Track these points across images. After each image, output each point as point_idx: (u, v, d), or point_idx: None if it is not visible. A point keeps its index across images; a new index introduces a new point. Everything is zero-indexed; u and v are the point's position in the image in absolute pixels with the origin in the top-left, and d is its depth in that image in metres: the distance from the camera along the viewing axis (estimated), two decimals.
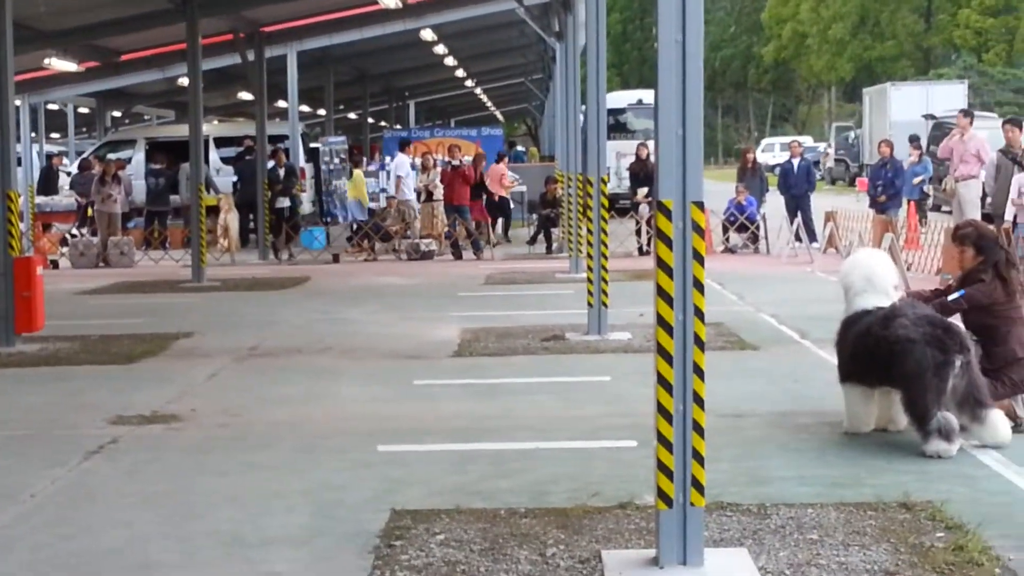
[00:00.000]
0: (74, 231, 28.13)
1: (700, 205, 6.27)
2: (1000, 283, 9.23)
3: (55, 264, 25.78)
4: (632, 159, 27.80)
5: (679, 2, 6.21)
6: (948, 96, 47.00)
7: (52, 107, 44.34)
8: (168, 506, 7.72)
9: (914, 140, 29.53)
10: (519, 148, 57.65)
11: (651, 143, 27.87)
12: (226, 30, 26.63)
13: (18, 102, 25.93)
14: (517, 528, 7.03)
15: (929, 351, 8.40)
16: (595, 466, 8.38)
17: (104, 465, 8.84)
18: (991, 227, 9.96)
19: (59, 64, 27.34)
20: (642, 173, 25.95)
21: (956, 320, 9.20)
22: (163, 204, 29.33)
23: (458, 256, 25.58)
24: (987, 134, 21.40)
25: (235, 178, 28.98)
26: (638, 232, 25.48)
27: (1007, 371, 9.12)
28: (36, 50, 25.46)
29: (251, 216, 28.35)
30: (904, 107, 45.60)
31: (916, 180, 26.41)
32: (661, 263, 6.25)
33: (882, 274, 9.20)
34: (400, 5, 26.27)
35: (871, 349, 8.76)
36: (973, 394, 8.50)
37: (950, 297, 9.27)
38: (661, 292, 6.25)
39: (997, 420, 8.57)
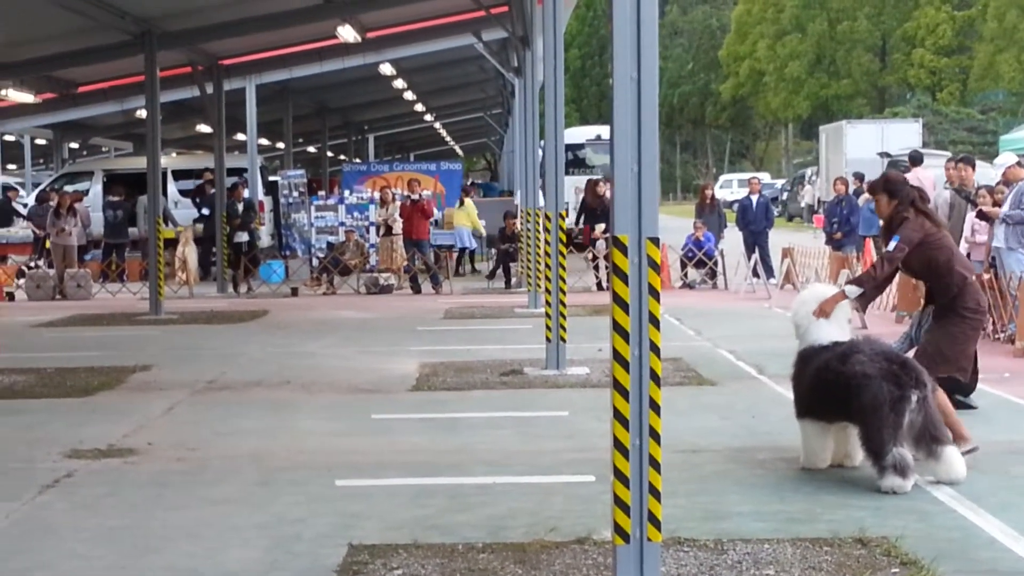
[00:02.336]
0: (31, 263, 27.95)
1: (655, 240, 6.31)
2: (923, 216, 9.41)
3: (11, 296, 25.62)
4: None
5: (634, 39, 6.26)
6: (903, 134, 47.53)
7: (8, 138, 44.17)
8: (124, 540, 7.67)
9: (860, 177, 29.79)
10: (493, 184, 57.79)
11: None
12: (184, 63, 26.60)
13: None
14: (475, 563, 7.03)
15: (886, 386, 8.48)
16: (553, 501, 8.39)
17: (59, 499, 8.78)
18: (901, 175, 10.20)
19: (16, 95, 27.26)
20: (599, 209, 26.06)
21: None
22: (121, 236, 29.24)
23: (417, 290, 25.59)
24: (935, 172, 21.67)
25: (206, 210, 28.87)
26: (596, 267, 25.56)
27: (961, 300, 9.34)
28: None
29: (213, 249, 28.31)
30: (860, 145, 46.04)
31: None
32: (617, 298, 6.29)
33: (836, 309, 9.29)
34: (359, 39, 26.32)
35: (829, 385, 8.83)
36: (929, 430, 8.58)
37: (887, 248, 9.41)
38: (617, 327, 6.28)
39: (952, 456, 8.65)
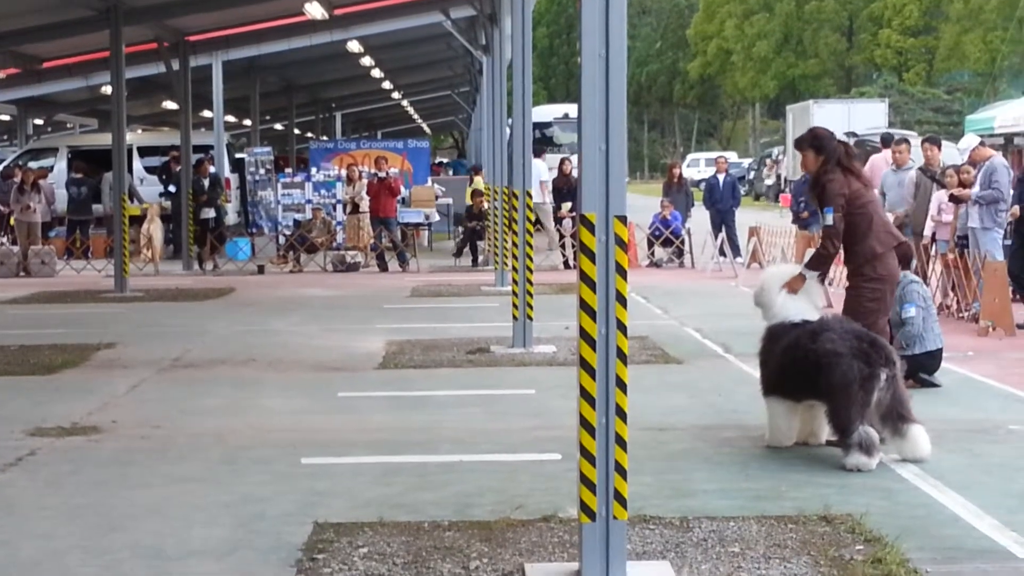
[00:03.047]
0: None
1: (623, 219, 6.30)
2: (850, 175, 9.40)
3: None
4: (556, 173, 27.86)
5: (602, 17, 6.24)
6: (870, 114, 47.74)
7: None
8: (88, 519, 7.62)
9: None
10: (463, 161, 57.66)
11: (575, 157, 27.99)
12: (151, 38, 26.40)
13: None
14: (440, 541, 7.02)
15: (856, 364, 8.49)
16: (519, 479, 8.39)
17: (22, 477, 8.72)
18: (828, 129, 10.15)
19: None
20: (565, 188, 26.06)
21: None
22: (85, 213, 29.07)
23: (383, 268, 25.54)
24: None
25: (172, 188, 28.70)
26: (563, 246, 25.58)
27: (863, 268, 9.34)
28: None
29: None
30: (826, 124, 45.70)
31: None
32: (584, 276, 6.27)
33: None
34: (327, 16, 26.19)
35: (799, 362, 8.84)
36: (897, 408, 8.61)
37: (826, 222, 9.35)
38: (584, 305, 6.27)
39: (918, 435, 8.68)
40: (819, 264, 9.52)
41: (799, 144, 9.71)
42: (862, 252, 9.36)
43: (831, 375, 8.55)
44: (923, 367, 11.42)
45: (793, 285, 9.24)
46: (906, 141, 19.28)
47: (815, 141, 9.54)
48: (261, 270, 25.49)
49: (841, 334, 8.70)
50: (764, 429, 9.31)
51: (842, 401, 8.51)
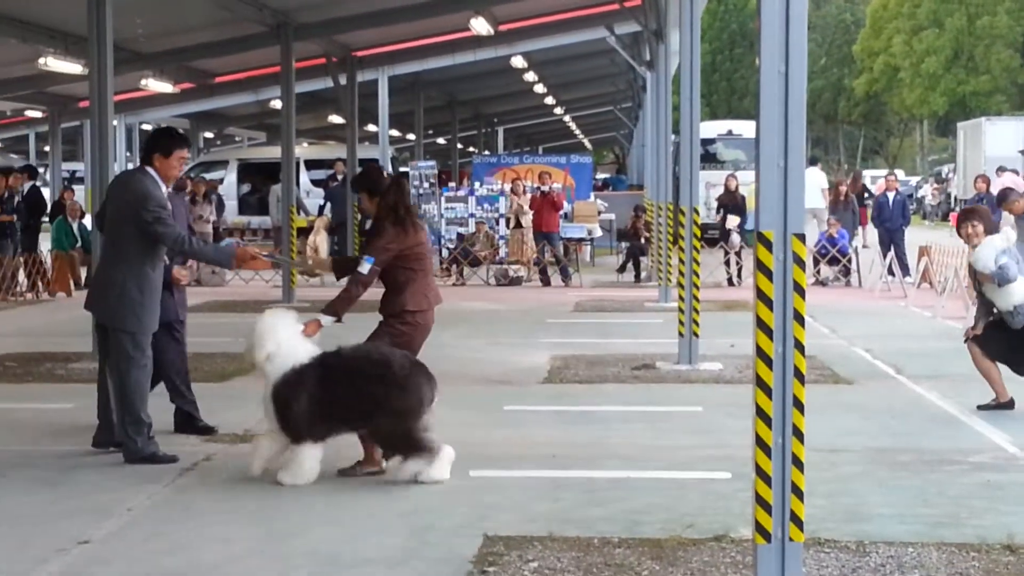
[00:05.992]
0: None
1: (801, 237, 6.20)
2: (401, 228, 9.14)
3: None
4: (721, 189, 27.72)
5: (782, 33, 6.14)
6: None
7: (147, 127, 45.09)
8: (264, 524, 7.75)
9: (1002, 170, 29.14)
10: (623, 177, 57.69)
11: (740, 174, 27.83)
12: (319, 54, 26.91)
13: (115, 122, 26.35)
14: (611, 558, 6.98)
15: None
16: (688, 497, 8.31)
17: (199, 482, 8.91)
18: (379, 169, 9.92)
19: (155, 85, 27.78)
20: (731, 204, 25.88)
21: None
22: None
23: (546, 282, 25.59)
24: None
25: (323, 203, 29.22)
26: (727, 263, 25.36)
27: (396, 319, 9.36)
28: (134, 71, 25.91)
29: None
30: (999, 142, 45.05)
31: None
32: (761, 295, 6.18)
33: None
34: (492, 32, 26.37)
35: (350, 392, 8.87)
36: None
37: (361, 268, 9.21)
38: (761, 324, 6.18)
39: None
40: (339, 308, 9.40)
41: (355, 185, 9.56)
42: (393, 303, 9.33)
43: (407, 399, 8.82)
44: None
45: (308, 331, 9.18)
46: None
47: (368, 183, 9.33)
48: None
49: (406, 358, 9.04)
50: (941, 453, 9.11)
51: (413, 420, 8.80)
